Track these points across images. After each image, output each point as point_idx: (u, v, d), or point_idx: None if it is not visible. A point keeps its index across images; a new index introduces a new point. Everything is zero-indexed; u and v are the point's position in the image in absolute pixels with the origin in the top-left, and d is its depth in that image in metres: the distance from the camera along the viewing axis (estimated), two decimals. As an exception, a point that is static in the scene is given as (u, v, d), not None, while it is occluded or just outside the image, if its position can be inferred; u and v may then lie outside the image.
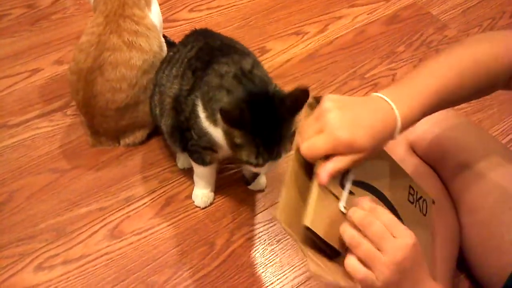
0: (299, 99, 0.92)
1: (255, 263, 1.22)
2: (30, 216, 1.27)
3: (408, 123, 0.75)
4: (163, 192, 1.33)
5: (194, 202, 1.30)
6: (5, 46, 1.69)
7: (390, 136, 0.74)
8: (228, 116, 0.93)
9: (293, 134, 0.99)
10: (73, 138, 1.44)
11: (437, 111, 0.81)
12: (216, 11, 1.85)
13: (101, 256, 1.21)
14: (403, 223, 0.80)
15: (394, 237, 0.67)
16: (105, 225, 1.26)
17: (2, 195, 1.31)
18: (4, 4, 1.83)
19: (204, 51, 1.16)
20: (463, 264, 1.13)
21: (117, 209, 1.29)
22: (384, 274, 0.66)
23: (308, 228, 0.69)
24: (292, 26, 1.81)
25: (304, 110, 0.81)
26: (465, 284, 1.17)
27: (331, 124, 0.69)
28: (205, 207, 1.30)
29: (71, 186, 1.34)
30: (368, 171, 0.79)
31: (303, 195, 0.73)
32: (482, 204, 1.06)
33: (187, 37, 1.29)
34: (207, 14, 1.84)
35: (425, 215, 0.90)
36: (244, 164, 1.03)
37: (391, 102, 0.73)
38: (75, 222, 1.26)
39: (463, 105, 1.57)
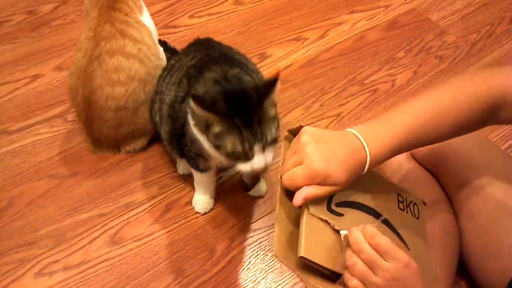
0: (270, 84, 0.96)
1: (255, 269, 1.22)
2: (30, 222, 1.27)
3: (378, 161, 0.79)
4: (163, 198, 1.33)
5: (194, 208, 1.30)
6: (6, 52, 1.69)
7: (361, 171, 0.78)
8: (201, 100, 0.95)
9: (275, 118, 1.00)
10: (74, 144, 1.44)
11: (413, 148, 0.86)
12: (216, 17, 1.86)
13: (101, 262, 1.21)
14: (397, 231, 0.82)
15: (386, 261, 0.71)
16: (105, 231, 1.26)
17: (2, 201, 1.31)
18: (5, 10, 1.84)
19: (203, 60, 1.17)
20: (463, 269, 1.13)
21: (118, 215, 1.29)
22: None
23: (305, 258, 0.73)
24: (292, 32, 1.81)
25: (283, 143, 0.86)
26: (465, 290, 1.17)
27: (309, 157, 0.74)
28: (205, 213, 1.30)
29: (72, 192, 1.34)
30: (354, 189, 0.82)
31: (295, 225, 0.78)
32: (481, 210, 1.06)
33: (190, 46, 1.30)
34: (208, 20, 1.84)
35: (418, 218, 0.92)
36: (234, 164, 1.00)
37: (363, 141, 0.77)
38: (76, 228, 1.26)
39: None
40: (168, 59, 1.42)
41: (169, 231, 1.27)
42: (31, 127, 1.48)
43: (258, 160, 0.99)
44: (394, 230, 0.85)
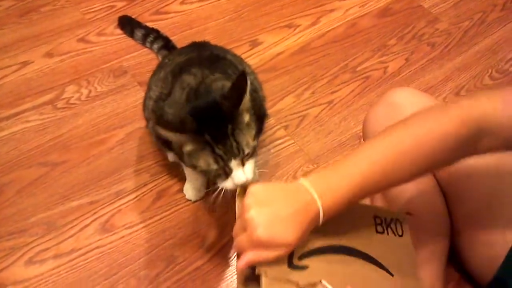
0: (239, 85, 0.91)
1: (247, 256, 1.21)
2: (20, 210, 1.27)
3: (332, 213, 0.74)
4: (154, 186, 1.32)
5: (185, 195, 1.30)
6: (-6, 38, 1.67)
7: (314, 225, 0.74)
8: (167, 123, 0.90)
9: (250, 125, 0.95)
10: (64, 132, 1.43)
11: (372, 194, 0.81)
12: (207, 3, 1.84)
13: (92, 249, 1.20)
14: (377, 261, 0.81)
15: None
16: (96, 218, 1.26)
17: (-8, 189, 1.31)
18: (-7, -4, 1.81)
19: (191, 60, 1.15)
20: (453, 256, 1.13)
21: (108, 203, 1.29)
22: None
23: None
24: (284, 18, 1.80)
25: (236, 200, 0.81)
26: (455, 277, 1.18)
27: (250, 224, 0.70)
28: (197, 201, 1.29)
29: (62, 179, 1.33)
30: (319, 233, 0.77)
31: None
32: (472, 196, 1.06)
33: (185, 47, 1.30)
34: (199, 7, 1.82)
35: (401, 235, 0.88)
36: (217, 182, 0.95)
37: (315, 194, 0.72)
38: (66, 216, 1.26)
39: (454, 99, 1.58)
40: (165, 57, 1.41)
41: (160, 219, 1.26)
42: (20, 114, 1.46)
43: (238, 175, 0.94)
44: (373, 261, 0.81)
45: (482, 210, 1.04)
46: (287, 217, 0.70)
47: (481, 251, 1.05)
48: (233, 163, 0.93)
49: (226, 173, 0.95)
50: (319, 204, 0.72)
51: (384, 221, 0.87)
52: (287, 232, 0.70)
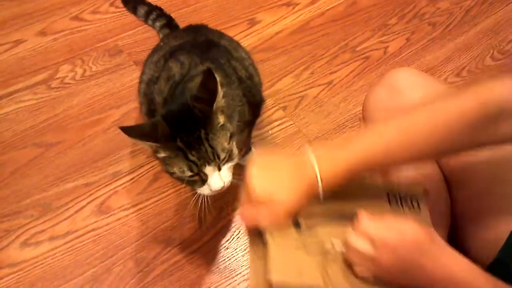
0: (208, 84, 0.86)
1: (245, 238, 1.21)
2: (15, 191, 1.25)
3: (332, 188, 0.75)
4: (151, 167, 1.31)
5: (183, 177, 1.28)
6: (-14, 16, 1.63)
7: (313, 192, 0.74)
8: (133, 129, 0.88)
9: (225, 128, 0.91)
10: (58, 112, 1.40)
11: (381, 169, 0.82)
12: (204, -19, 1.80)
13: (89, 232, 1.19)
14: None
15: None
16: (92, 200, 1.24)
17: (-15, 170, 1.28)
18: (-16, -28, 1.76)
19: (185, 45, 1.12)
20: (450, 241, 1.12)
21: (104, 184, 1.27)
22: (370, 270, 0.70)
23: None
24: (282, -4, 1.77)
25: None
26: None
27: (250, 185, 0.72)
28: (194, 182, 1.28)
29: (57, 160, 1.31)
30: (326, 204, 0.77)
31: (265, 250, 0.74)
32: (473, 178, 1.05)
33: (181, 31, 1.27)
34: (196, -16, 1.79)
35: (419, 210, 0.86)
36: (192, 188, 0.94)
37: (317, 170, 0.73)
38: (62, 198, 1.24)
39: (455, 79, 1.56)
40: (161, 39, 1.38)
41: (157, 201, 1.25)
42: (13, 94, 1.44)
43: (215, 181, 0.90)
44: None
45: (484, 192, 1.03)
46: (285, 179, 0.73)
47: (482, 232, 1.04)
48: (208, 169, 0.89)
49: (203, 179, 0.91)
50: (319, 180, 0.73)
51: (398, 197, 0.86)
52: (283, 192, 0.73)
